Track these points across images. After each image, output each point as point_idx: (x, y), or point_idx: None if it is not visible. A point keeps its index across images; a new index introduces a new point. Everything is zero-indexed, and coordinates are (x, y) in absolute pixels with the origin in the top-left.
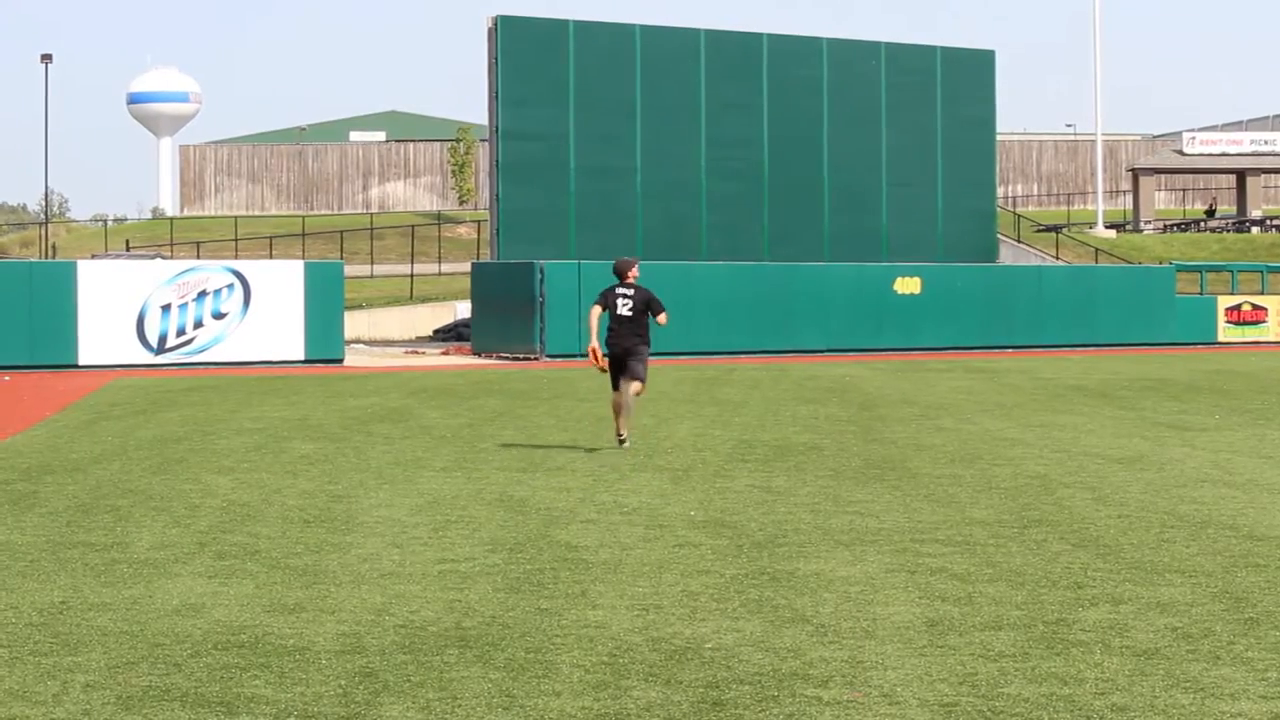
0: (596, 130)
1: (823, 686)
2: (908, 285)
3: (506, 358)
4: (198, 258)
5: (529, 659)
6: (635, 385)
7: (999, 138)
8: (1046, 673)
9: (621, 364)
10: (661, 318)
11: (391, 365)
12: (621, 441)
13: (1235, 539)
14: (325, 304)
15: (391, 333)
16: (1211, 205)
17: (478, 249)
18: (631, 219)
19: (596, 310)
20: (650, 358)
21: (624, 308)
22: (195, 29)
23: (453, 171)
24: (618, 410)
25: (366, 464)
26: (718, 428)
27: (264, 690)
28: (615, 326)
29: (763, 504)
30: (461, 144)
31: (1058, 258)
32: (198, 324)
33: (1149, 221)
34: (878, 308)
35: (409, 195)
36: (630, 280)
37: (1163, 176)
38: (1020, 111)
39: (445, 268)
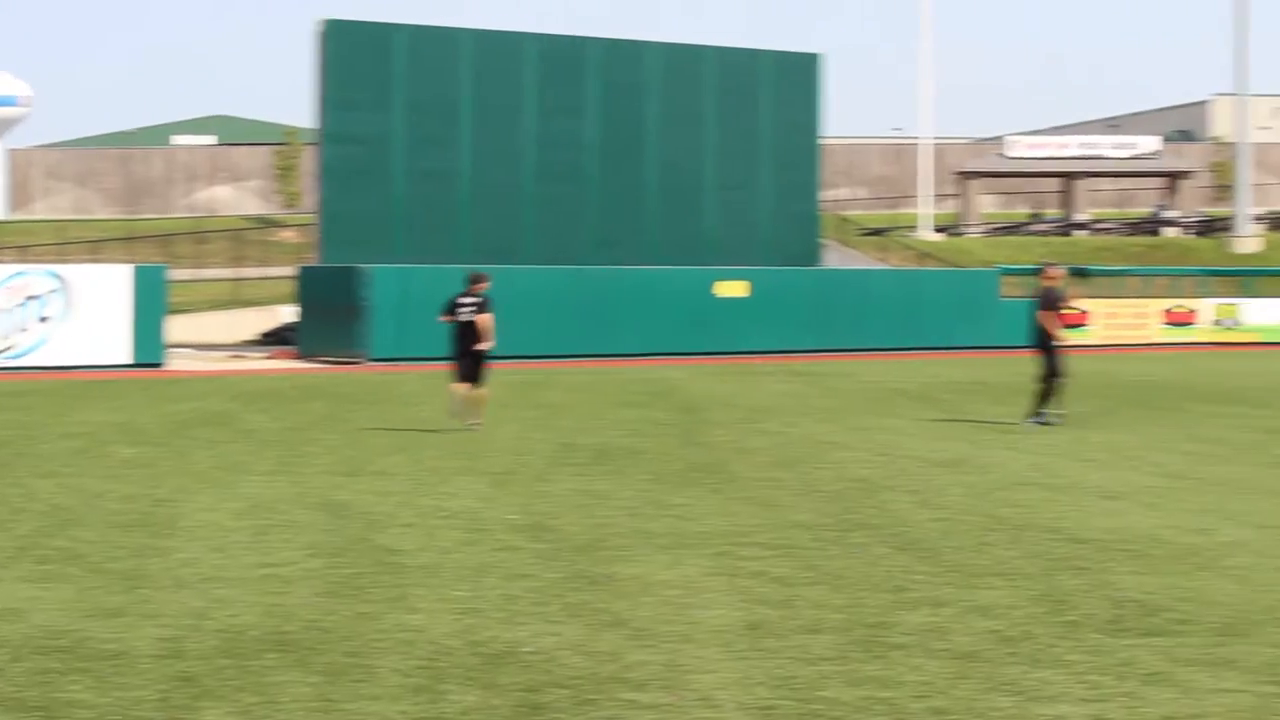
0: (424, 134)
1: (640, 690)
2: (731, 289)
3: (332, 362)
4: (23, 262)
5: (348, 663)
6: (482, 392)
7: (825, 141)
8: (865, 676)
9: (468, 361)
10: (481, 318)
11: (216, 369)
12: (472, 426)
13: (1056, 542)
14: (150, 308)
15: (217, 337)
16: (1036, 213)
17: (303, 253)
18: (458, 222)
19: (445, 318)
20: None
21: (465, 314)
22: (23, 31)
23: (279, 175)
24: (458, 398)
25: (189, 468)
26: (539, 431)
27: (83, 695)
28: (459, 332)
29: (583, 507)
30: (289, 147)
31: (884, 261)
32: (22, 329)
33: (975, 225)
34: (702, 311)
35: (236, 199)
36: (476, 291)
37: (990, 180)
38: (847, 115)
39: (271, 272)
